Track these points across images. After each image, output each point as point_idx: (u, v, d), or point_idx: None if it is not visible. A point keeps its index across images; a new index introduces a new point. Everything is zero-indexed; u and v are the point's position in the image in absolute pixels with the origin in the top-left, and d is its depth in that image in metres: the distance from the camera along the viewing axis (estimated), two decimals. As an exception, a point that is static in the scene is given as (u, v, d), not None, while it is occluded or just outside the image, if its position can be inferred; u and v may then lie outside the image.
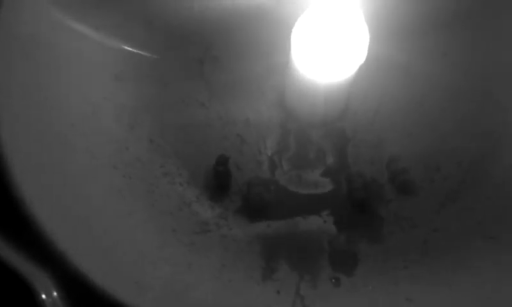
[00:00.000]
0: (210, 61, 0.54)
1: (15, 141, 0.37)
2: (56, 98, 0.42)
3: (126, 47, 0.51)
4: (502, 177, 0.47)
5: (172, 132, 0.51)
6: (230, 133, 0.53)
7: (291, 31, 0.46)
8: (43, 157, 0.39)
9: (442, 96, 0.53)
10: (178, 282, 0.38)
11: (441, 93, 0.53)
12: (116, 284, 0.33)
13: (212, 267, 0.41)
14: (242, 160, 0.52)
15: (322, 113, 0.54)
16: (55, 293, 0.32)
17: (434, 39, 0.53)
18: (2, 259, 0.33)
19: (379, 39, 0.48)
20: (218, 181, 0.49)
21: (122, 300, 0.32)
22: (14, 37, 0.40)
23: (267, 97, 0.54)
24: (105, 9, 0.48)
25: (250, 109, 0.54)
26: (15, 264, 0.33)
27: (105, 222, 0.39)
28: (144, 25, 0.51)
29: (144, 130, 0.49)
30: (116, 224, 0.40)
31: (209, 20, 0.53)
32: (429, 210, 0.47)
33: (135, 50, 0.51)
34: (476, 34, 0.52)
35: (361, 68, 0.49)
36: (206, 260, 0.42)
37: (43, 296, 0.32)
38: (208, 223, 0.46)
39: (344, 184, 0.51)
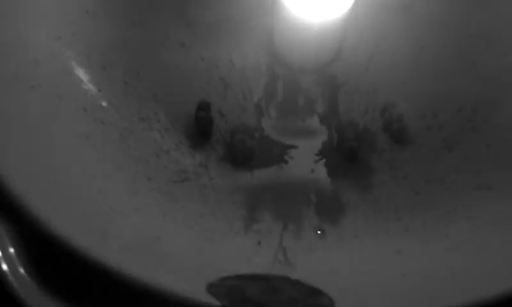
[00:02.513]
0: (191, -3, 0.50)
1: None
2: (15, 33, 0.38)
3: (98, -20, 0.46)
4: (504, 124, 0.44)
5: (150, 74, 0.47)
6: (213, 77, 0.49)
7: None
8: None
9: (444, 39, 0.49)
10: (149, 232, 0.35)
11: (442, 35, 0.49)
12: (78, 234, 0.30)
13: (188, 217, 0.38)
14: (226, 106, 0.48)
15: (313, 56, 0.50)
16: (11, 250, 0.30)
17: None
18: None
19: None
20: (199, 128, 0.45)
21: (84, 249, 0.29)
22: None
23: (254, 38, 0.50)
24: None
25: (235, 51, 0.50)
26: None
27: (70, 169, 0.36)
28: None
29: (119, 71, 0.45)
30: (83, 172, 0.37)
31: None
32: (423, 160, 0.44)
33: (108, -16, 0.47)
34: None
35: (356, 6, 0.45)
36: (182, 210, 0.39)
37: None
38: (188, 172, 0.43)
39: (334, 133, 0.47)
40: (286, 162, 0.46)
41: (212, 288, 0.29)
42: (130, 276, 0.29)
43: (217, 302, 0.28)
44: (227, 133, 0.46)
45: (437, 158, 0.44)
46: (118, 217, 0.35)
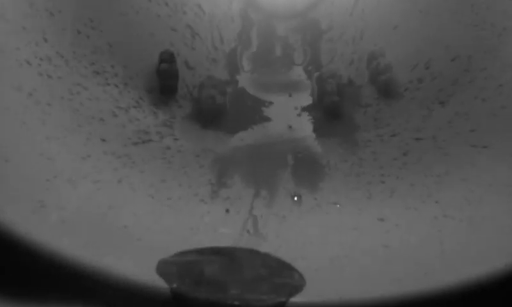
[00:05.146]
0: None
1: None
2: None
3: None
4: (502, 77, 0.39)
5: (106, 21, 0.42)
6: (179, 23, 0.44)
7: None
8: None
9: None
10: (99, 201, 0.31)
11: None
12: (7, 205, 0.26)
13: (147, 182, 0.34)
14: (194, 57, 0.43)
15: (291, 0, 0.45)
16: None
17: None
18: None
19: None
20: (162, 82, 0.41)
21: (11, 224, 0.25)
22: None
23: (225, -21, 0.45)
24: None
25: (203, -6, 0.44)
26: None
27: (8, 131, 0.31)
28: None
29: (69, 18, 0.40)
30: (24, 134, 0.32)
31: None
32: (413, 116, 0.40)
33: None
34: None
35: None
36: (141, 175, 0.34)
37: None
38: (150, 132, 0.38)
39: (314, 86, 0.43)
40: (261, 119, 0.42)
41: (162, 266, 0.25)
42: (66, 255, 0.25)
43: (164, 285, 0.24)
44: (195, 88, 0.42)
45: (428, 114, 0.40)
46: (62, 185, 0.31)
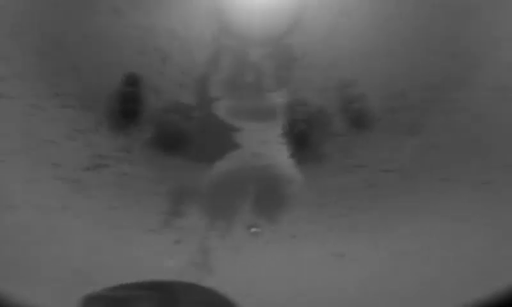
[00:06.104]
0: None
1: None
2: None
3: None
4: (477, 106, 0.37)
5: (71, 42, 0.41)
6: (149, 46, 0.42)
7: None
8: None
9: (413, 9, 0.43)
10: (35, 228, 0.29)
11: (412, 5, 0.43)
12: None
13: (95, 209, 0.32)
14: (162, 81, 0.42)
15: (265, 26, 0.44)
16: None
17: None
18: None
19: None
20: (124, 106, 0.39)
21: None
22: None
23: (198, 2, 0.44)
24: None
25: (176, 18, 0.43)
26: None
27: None
28: None
29: (31, 39, 0.39)
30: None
31: None
32: (383, 147, 0.38)
33: None
34: None
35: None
36: (89, 201, 0.33)
37: None
38: (106, 157, 0.37)
39: (284, 114, 0.41)
40: (227, 146, 0.40)
41: (87, 303, 0.23)
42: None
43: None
44: (159, 112, 0.40)
45: (399, 145, 0.38)
46: (5, 211, 0.29)
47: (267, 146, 0.40)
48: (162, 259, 0.30)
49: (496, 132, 0.34)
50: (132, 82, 0.40)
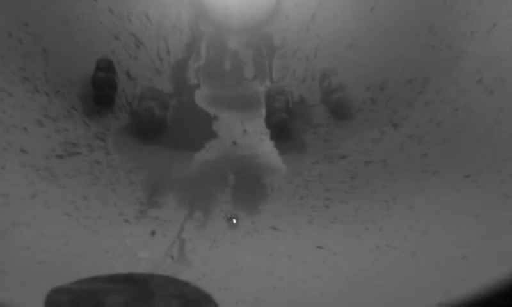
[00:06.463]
0: None
1: None
2: None
3: None
4: (458, 101, 0.37)
5: (42, 25, 0.39)
6: (123, 31, 0.41)
7: None
8: None
9: (394, 1, 0.42)
10: (6, 218, 0.27)
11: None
12: None
13: (66, 199, 0.31)
14: (136, 67, 0.40)
15: (244, 12, 0.43)
16: None
17: None
18: None
19: None
20: (98, 92, 0.38)
21: None
22: None
23: (175, -12, 0.43)
24: None
25: (151, 2, 0.42)
26: None
27: None
28: None
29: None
30: None
31: None
32: (364, 138, 0.37)
33: None
34: None
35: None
36: (60, 191, 0.31)
37: None
38: (78, 144, 0.35)
39: (263, 103, 0.40)
40: (205, 134, 0.39)
41: (54, 296, 0.22)
42: None
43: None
44: (134, 99, 0.39)
45: (380, 137, 0.37)
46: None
47: (247, 135, 0.39)
48: (137, 251, 0.29)
49: (478, 124, 0.34)
50: (106, 67, 0.38)
